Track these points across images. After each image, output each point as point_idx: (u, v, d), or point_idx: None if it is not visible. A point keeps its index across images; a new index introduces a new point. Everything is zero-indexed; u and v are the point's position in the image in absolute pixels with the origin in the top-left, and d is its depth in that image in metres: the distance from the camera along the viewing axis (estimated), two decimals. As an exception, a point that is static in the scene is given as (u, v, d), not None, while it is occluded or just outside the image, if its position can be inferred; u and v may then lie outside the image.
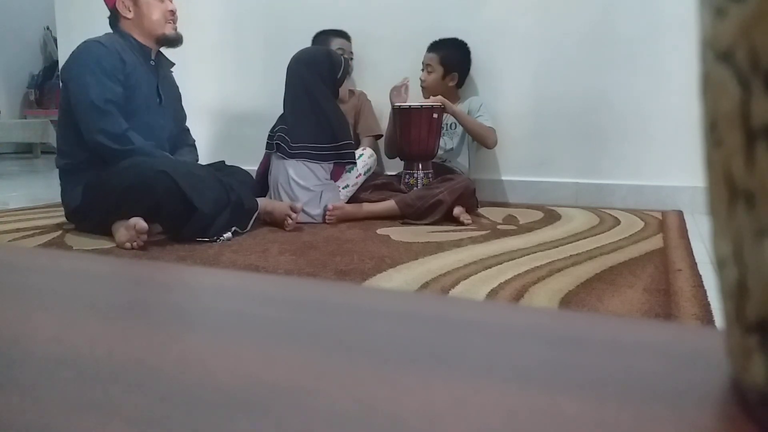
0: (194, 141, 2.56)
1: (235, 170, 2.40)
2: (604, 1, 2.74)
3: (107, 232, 2.09)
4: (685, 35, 2.53)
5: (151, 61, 2.35)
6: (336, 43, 2.94)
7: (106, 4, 2.35)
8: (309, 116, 2.43)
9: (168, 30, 2.33)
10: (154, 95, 2.33)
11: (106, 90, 2.13)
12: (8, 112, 6.21)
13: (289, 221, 2.24)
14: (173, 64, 2.49)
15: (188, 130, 2.56)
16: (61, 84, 2.21)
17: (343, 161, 2.48)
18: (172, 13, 2.34)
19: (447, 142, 2.82)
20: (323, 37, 3.00)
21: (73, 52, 2.23)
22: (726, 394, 0.19)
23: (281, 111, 2.54)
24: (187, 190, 1.99)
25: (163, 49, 2.42)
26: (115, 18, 2.33)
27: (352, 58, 3.02)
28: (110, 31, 2.35)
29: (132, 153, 2.12)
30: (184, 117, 2.55)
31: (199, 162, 2.46)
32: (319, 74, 2.46)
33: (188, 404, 0.18)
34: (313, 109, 2.43)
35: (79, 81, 2.15)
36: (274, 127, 2.53)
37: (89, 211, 2.13)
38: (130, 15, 2.29)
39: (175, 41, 2.37)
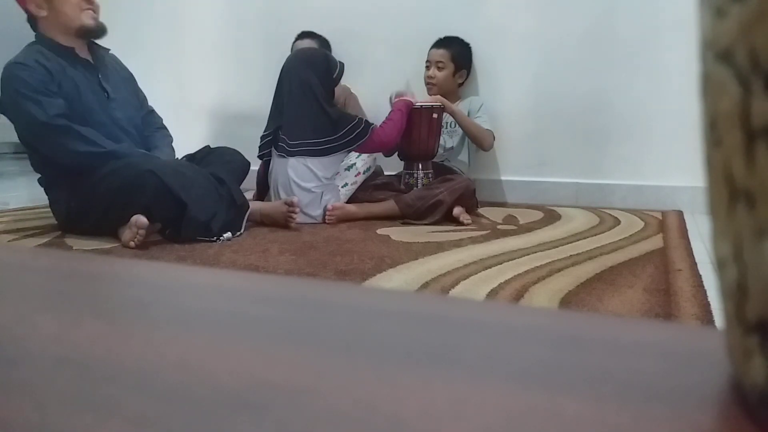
0: (162, 121, 2.46)
1: (223, 151, 2.37)
2: (604, 2, 2.74)
3: (104, 233, 2.09)
4: (685, 35, 2.52)
5: (83, 58, 2.21)
6: (303, 44, 2.91)
7: (20, 6, 2.21)
8: (308, 114, 2.42)
9: (86, 20, 2.18)
10: (98, 92, 2.21)
11: (48, 106, 2.03)
12: (8, 113, 6.19)
13: (293, 216, 2.24)
14: (108, 50, 2.34)
15: (153, 111, 2.44)
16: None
17: (344, 148, 2.45)
18: (89, 2, 2.19)
19: (447, 141, 2.82)
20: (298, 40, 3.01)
21: None
22: (726, 394, 0.19)
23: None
24: (175, 189, 1.97)
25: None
26: (32, 20, 2.21)
27: None
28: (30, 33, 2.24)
29: (107, 156, 2.07)
30: (143, 99, 2.43)
31: (172, 144, 2.40)
32: (316, 74, 2.45)
33: (188, 404, 0.18)
34: (311, 106, 2.42)
35: (18, 109, 2.05)
36: (265, 130, 2.52)
37: (81, 219, 2.11)
38: (43, 13, 2.16)
39: (95, 31, 2.22)
